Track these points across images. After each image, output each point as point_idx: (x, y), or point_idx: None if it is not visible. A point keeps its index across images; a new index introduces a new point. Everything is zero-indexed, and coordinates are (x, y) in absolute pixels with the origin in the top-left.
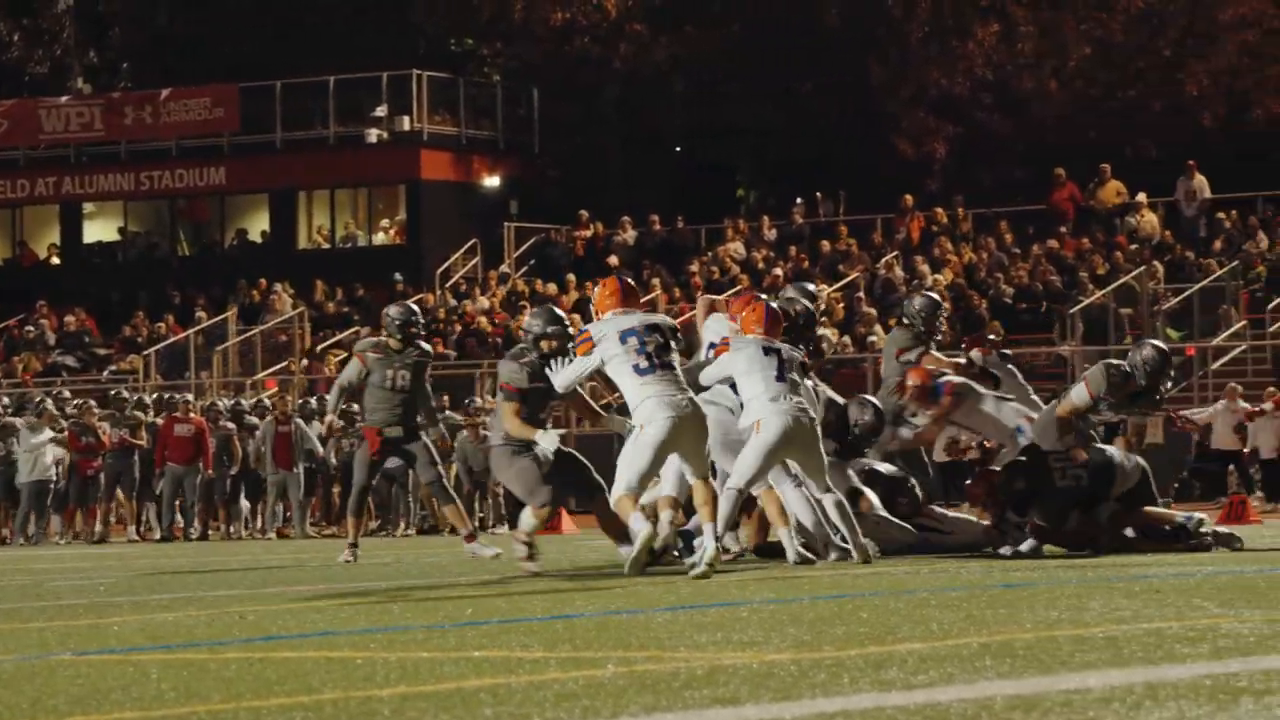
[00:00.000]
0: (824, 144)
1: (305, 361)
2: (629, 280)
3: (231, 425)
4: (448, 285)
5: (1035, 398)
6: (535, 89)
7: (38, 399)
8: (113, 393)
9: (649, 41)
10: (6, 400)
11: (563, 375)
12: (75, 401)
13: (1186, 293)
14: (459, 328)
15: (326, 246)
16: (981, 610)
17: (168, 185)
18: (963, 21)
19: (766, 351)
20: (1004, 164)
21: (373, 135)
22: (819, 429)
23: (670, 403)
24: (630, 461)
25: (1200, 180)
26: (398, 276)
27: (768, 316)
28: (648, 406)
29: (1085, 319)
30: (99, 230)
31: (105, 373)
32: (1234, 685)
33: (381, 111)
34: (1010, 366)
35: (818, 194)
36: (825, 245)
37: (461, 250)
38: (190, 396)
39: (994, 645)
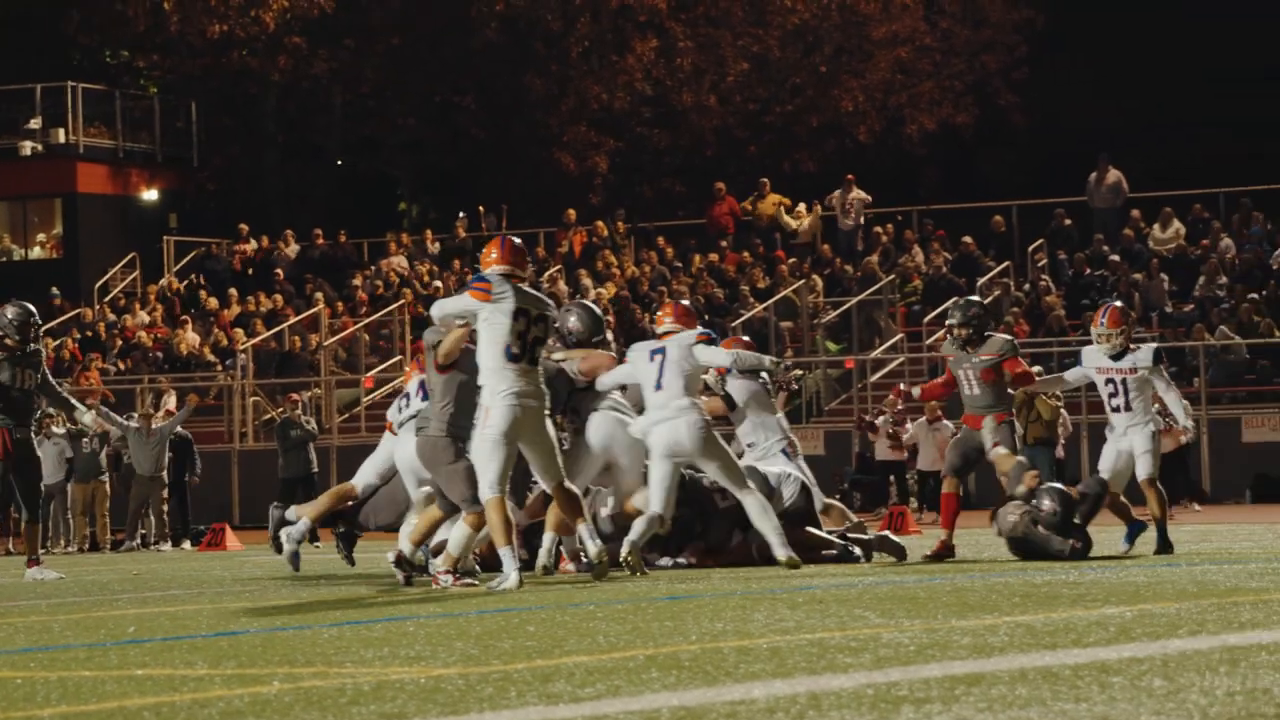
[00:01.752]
0: (485, 158)
1: None
2: (516, 241)
3: None
4: (106, 299)
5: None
6: (194, 102)
7: None
8: None
9: (308, 54)
10: None
11: (445, 305)
12: None
13: (845, 306)
14: (119, 342)
15: None
16: (647, 623)
17: None
18: (622, 36)
19: (652, 355)
20: (664, 178)
21: (27, 148)
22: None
23: (521, 394)
24: (484, 462)
25: (858, 194)
26: (55, 291)
27: (676, 312)
28: (500, 398)
29: (747, 332)
30: None
31: None
32: (895, 694)
33: (35, 124)
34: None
35: (480, 207)
36: None
37: (120, 264)
38: None
39: (660, 657)
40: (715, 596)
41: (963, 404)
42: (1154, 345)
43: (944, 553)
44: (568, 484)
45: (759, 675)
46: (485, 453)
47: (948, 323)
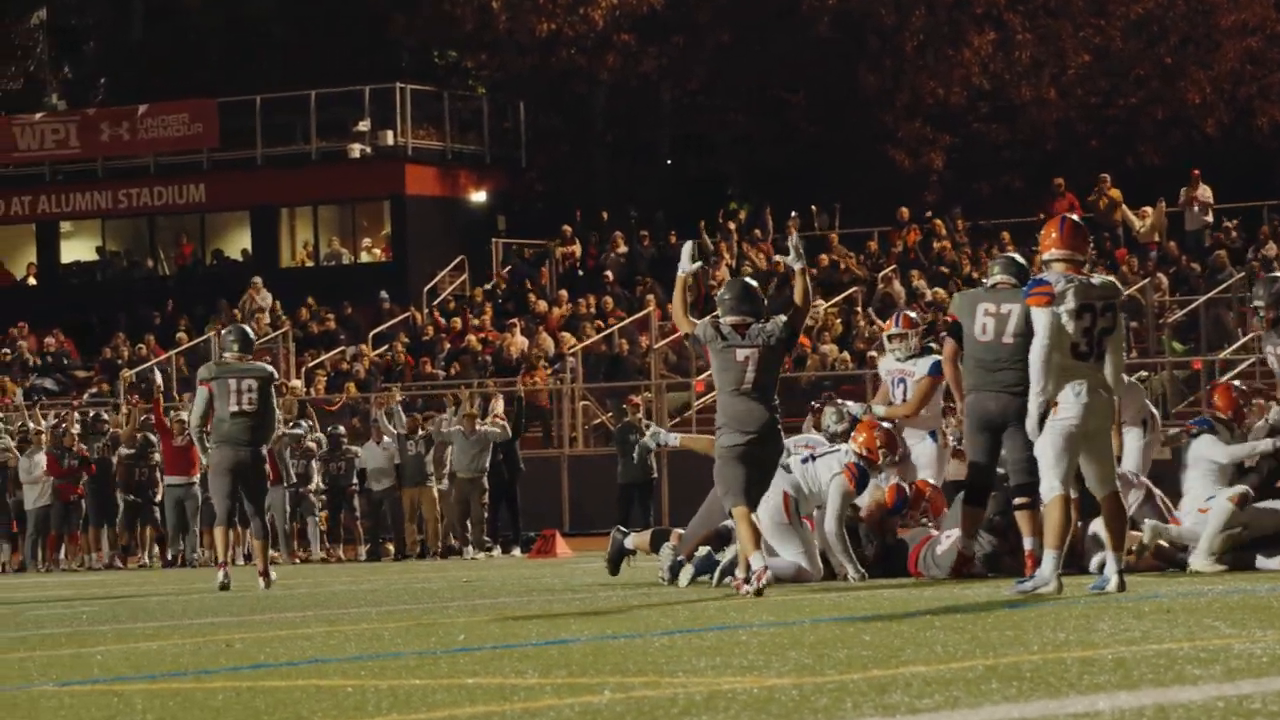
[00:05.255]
0: (817, 155)
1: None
2: (1077, 220)
3: None
4: (435, 303)
5: None
6: (521, 102)
7: (19, 424)
8: (92, 415)
9: (637, 52)
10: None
11: (1039, 338)
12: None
13: (1192, 305)
14: (447, 345)
15: (310, 264)
16: (987, 632)
17: (146, 203)
18: (958, 30)
19: None
20: (1002, 174)
21: (355, 150)
22: None
23: (1091, 388)
24: (1053, 458)
25: (1204, 189)
26: (383, 294)
27: None
28: (1070, 392)
29: None
30: (77, 249)
31: (85, 395)
32: (1247, 707)
33: (364, 126)
34: None
35: (812, 206)
36: (822, 259)
37: (449, 267)
38: (185, 416)
39: (1000, 668)
40: (1058, 605)
41: None
42: None
43: None
44: (1120, 495)
45: (1104, 687)
46: (1056, 447)
47: (1253, 304)
